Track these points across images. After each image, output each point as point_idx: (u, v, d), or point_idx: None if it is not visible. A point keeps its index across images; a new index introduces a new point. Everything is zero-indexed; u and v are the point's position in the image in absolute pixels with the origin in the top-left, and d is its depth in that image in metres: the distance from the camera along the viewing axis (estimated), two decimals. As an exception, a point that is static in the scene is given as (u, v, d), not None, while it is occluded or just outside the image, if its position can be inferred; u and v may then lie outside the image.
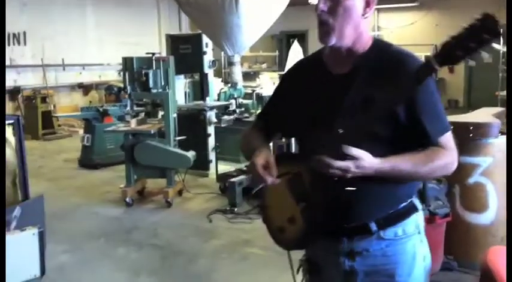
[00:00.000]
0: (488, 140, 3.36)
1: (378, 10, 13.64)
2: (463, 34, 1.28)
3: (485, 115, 3.75)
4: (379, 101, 1.42)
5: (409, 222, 1.64)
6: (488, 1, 11.74)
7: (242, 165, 6.50)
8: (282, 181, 1.62)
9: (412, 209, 1.65)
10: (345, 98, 1.54)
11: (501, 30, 1.26)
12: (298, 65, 1.83)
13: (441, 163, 1.53)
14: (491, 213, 3.41)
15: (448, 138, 1.55)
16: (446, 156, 1.53)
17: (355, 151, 1.41)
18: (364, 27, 1.59)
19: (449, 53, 1.30)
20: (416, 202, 1.67)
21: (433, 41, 11.94)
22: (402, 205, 1.63)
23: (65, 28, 11.32)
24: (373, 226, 1.60)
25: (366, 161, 1.43)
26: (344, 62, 1.60)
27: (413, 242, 1.65)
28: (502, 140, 3.42)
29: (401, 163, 1.49)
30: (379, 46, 1.61)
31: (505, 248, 1.63)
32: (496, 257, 1.52)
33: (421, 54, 12.73)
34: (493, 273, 1.43)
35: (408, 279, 1.64)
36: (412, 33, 13.04)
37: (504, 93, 10.06)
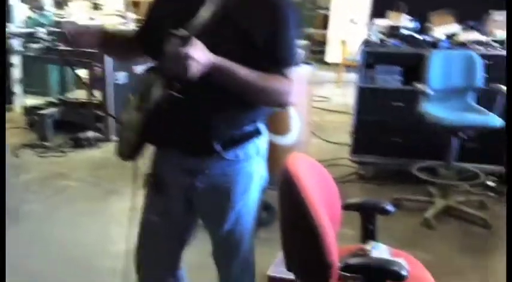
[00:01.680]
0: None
1: None
2: None
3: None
4: (235, 21, 1.51)
5: (250, 145, 1.73)
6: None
7: (52, 98, 6.14)
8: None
9: (255, 133, 1.74)
10: (201, 15, 1.55)
11: None
12: None
13: (276, 87, 1.59)
14: (294, 135, 3.78)
15: (290, 71, 1.61)
16: (283, 84, 1.60)
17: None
18: None
19: None
20: (262, 128, 1.77)
21: None
22: (246, 128, 1.71)
23: None
24: (217, 146, 1.66)
25: (200, 46, 1.45)
26: None
27: (251, 163, 1.76)
28: (302, 68, 3.76)
29: (237, 68, 1.53)
30: None
31: (303, 155, 1.85)
32: (293, 160, 1.71)
33: None
34: (290, 173, 1.62)
35: (243, 197, 1.77)
36: None
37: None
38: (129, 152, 1.70)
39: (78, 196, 4.02)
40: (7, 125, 5.56)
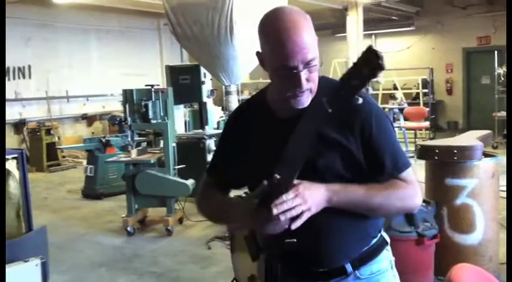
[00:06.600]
0: (473, 162, 3.47)
1: (376, 35, 13.87)
2: (347, 74, 1.27)
3: (470, 138, 3.86)
4: (333, 140, 1.47)
5: (382, 258, 1.65)
6: (480, 25, 11.98)
7: (241, 192, 6.61)
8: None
9: (383, 244, 1.67)
10: (295, 144, 1.42)
11: (383, 63, 1.20)
12: (241, 109, 1.77)
13: (399, 194, 1.52)
14: (479, 234, 3.50)
15: (408, 173, 1.55)
16: (406, 188, 1.52)
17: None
18: None
19: (338, 95, 1.28)
20: (385, 235, 1.69)
21: (430, 64, 12.15)
22: (374, 241, 1.64)
23: (68, 61, 11.60)
24: (349, 267, 1.60)
25: (308, 186, 1.39)
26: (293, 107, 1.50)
27: (387, 277, 1.67)
28: (486, 162, 3.53)
29: (354, 189, 1.48)
30: (323, 84, 1.51)
31: (470, 265, 1.72)
32: (460, 273, 1.60)
33: (418, 77, 12.84)
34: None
35: None
36: (409, 56, 13.21)
37: (501, 113, 10.17)
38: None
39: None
40: (204, 218, 6.13)
